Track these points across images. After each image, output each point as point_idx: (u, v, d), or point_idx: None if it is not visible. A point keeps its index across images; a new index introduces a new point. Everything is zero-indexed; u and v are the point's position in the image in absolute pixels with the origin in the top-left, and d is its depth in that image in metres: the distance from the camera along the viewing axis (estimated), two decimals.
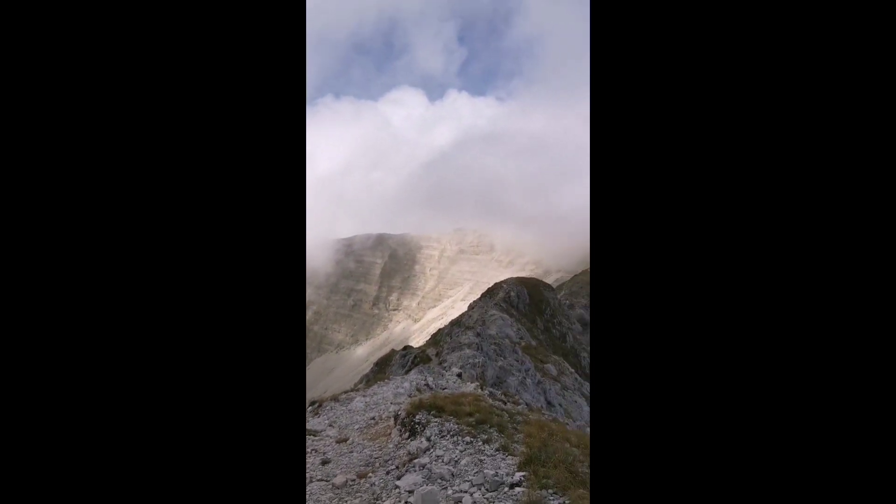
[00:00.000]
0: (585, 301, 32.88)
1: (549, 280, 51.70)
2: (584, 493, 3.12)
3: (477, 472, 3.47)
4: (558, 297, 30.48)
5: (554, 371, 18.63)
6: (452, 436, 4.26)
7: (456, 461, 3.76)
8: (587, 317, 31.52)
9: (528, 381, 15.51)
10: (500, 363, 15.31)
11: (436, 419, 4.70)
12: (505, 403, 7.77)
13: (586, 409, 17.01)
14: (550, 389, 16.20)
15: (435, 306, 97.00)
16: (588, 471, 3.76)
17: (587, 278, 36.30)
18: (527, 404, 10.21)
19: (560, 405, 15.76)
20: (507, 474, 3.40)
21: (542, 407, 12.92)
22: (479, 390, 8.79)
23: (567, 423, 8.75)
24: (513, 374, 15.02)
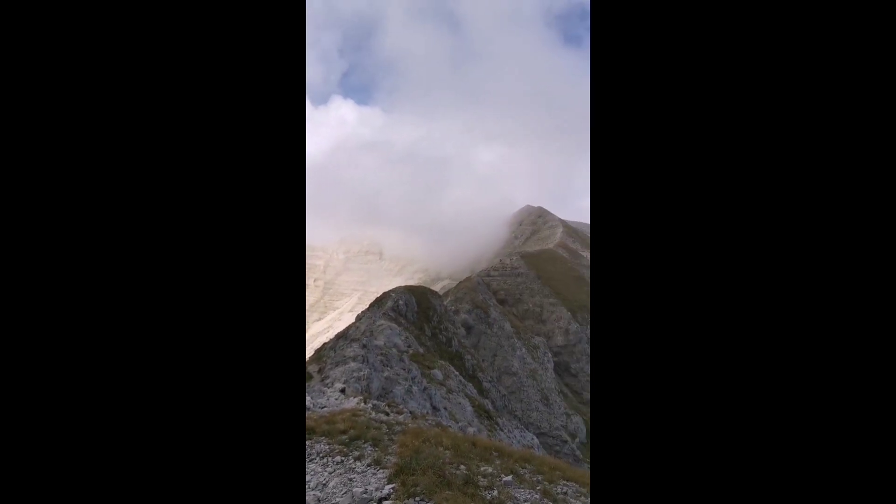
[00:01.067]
0: (469, 306, 34.59)
1: (437, 287, 53.28)
2: (451, 494, 3.23)
3: (345, 493, 3.36)
4: (444, 303, 31.54)
5: (440, 376, 19.14)
6: (322, 458, 4.05)
7: (324, 484, 3.59)
8: (470, 321, 33.24)
9: (415, 388, 15.65)
10: (386, 373, 15.16)
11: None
12: (388, 415, 7.70)
13: (469, 408, 17.81)
14: (436, 394, 16.59)
15: (320, 319, 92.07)
16: (458, 471, 3.92)
17: (470, 284, 38.27)
18: (411, 412, 10.28)
19: (445, 408, 16.24)
20: (377, 489, 3.36)
21: (427, 413, 13.15)
22: (362, 404, 8.58)
23: (450, 426, 9.03)
24: (399, 384, 15.00)
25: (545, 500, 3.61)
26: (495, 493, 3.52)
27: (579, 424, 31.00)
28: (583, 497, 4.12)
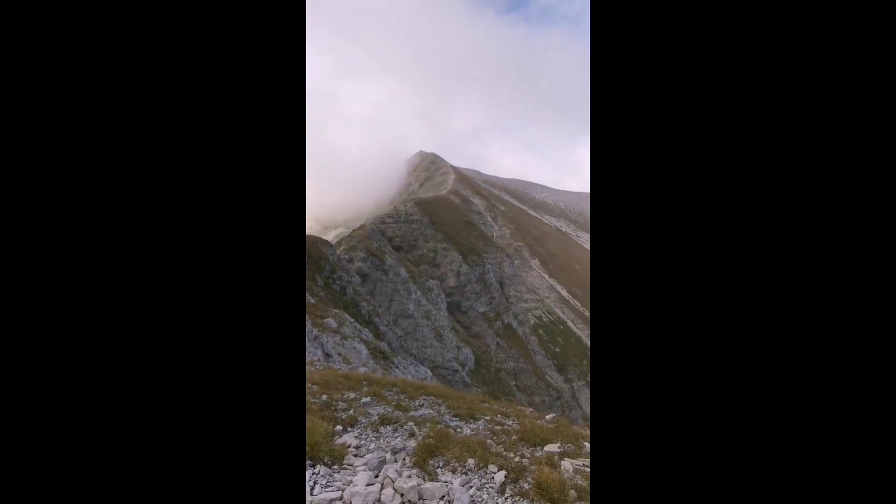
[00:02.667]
0: (364, 254, 34.54)
1: (330, 236, 51.63)
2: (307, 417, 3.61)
3: None
4: (337, 252, 31.02)
5: (334, 324, 19.34)
6: None
7: None
8: (366, 269, 33.41)
9: (305, 339, 15.69)
10: None
11: None
12: None
13: (365, 351, 18.53)
14: (328, 342, 16.88)
15: None
16: (318, 400, 4.34)
17: (364, 232, 37.96)
18: None
19: (339, 354, 16.71)
20: None
21: (318, 359, 13.44)
22: None
23: (340, 369, 9.48)
24: None
25: (396, 412, 4.25)
26: (351, 412, 4.04)
27: (468, 355, 34.39)
28: (437, 406, 4.90)
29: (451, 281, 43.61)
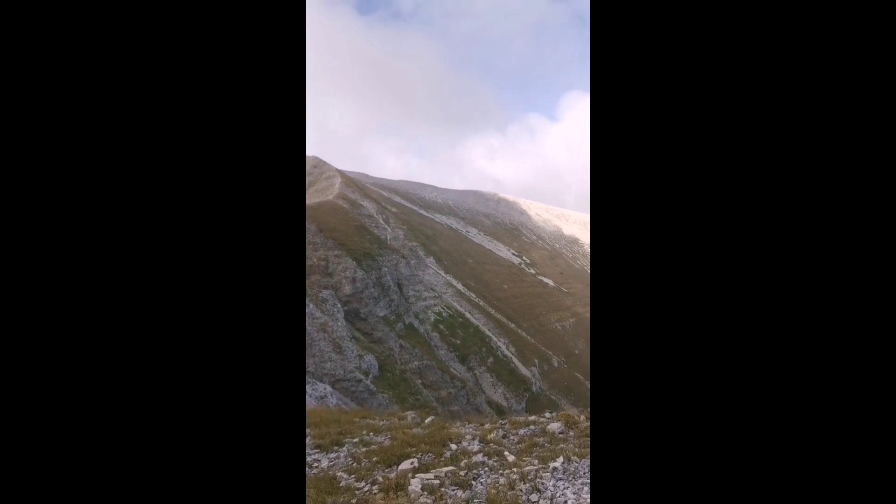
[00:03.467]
0: None
1: None
2: None
3: None
4: None
5: None
6: None
7: None
8: None
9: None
10: None
11: None
12: None
13: None
14: None
15: None
16: None
17: None
18: None
19: None
20: None
21: None
22: None
23: None
24: None
25: None
26: None
27: (371, 362, 33.68)
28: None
29: (347, 289, 42.22)
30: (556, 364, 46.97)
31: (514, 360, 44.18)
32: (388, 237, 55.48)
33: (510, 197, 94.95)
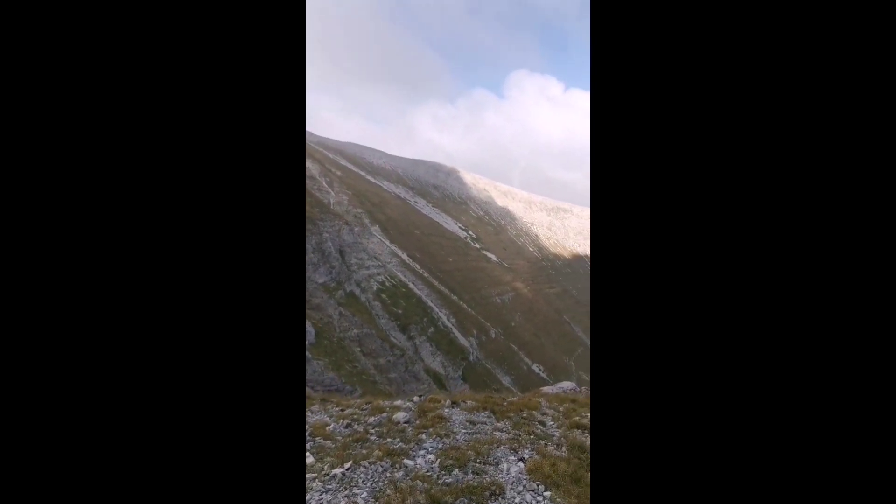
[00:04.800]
0: None
1: None
2: None
3: None
4: None
5: None
6: None
7: None
8: None
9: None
10: None
11: None
12: None
13: None
14: None
15: None
16: None
17: None
18: None
19: None
20: None
21: None
22: None
23: None
24: None
25: None
26: None
27: (308, 329, 32.86)
28: None
29: None
30: (493, 335, 48.84)
31: (454, 330, 45.28)
32: (332, 201, 53.34)
33: (460, 170, 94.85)
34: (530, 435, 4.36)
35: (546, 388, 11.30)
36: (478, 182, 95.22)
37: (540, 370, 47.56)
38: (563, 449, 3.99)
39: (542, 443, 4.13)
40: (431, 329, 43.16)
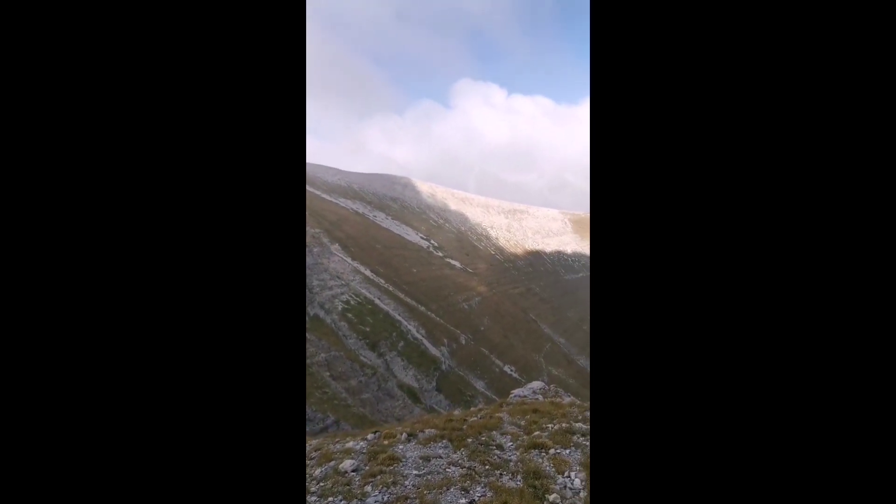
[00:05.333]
0: None
1: None
2: None
3: None
4: None
5: None
6: None
7: None
8: None
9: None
10: None
11: None
12: None
13: None
14: None
15: None
16: None
17: None
18: None
19: None
20: None
21: None
22: None
23: None
24: None
25: None
26: None
27: None
28: None
29: None
30: (463, 342, 49.09)
31: (425, 341, 45.12)
32: None
33: (416, 181, 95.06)
34: (486, 465, 4.45)
35: (516, 391, 11.50)
36: (435, 191, 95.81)
37: (512, 371, 48.25)
38: (519, 478, 4.12)
39: (498, 473, 4.23)
40: (402, 343, 42.81)
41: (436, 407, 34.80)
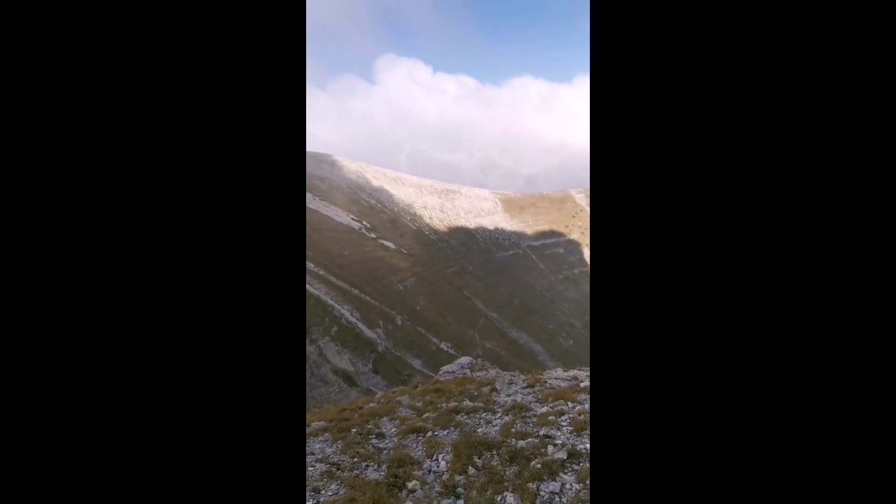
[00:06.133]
0: None
1: None
2: None
3: None
4: None
5: None
6: None
7: None
8: None
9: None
10: None
11: None
12: None
13: None
14: None
15: None
16: None
17: None
18: None
19: None
20: None
21: None
22: None
23: None
24: None
25: None
26: None
27: None
28: None
29: None
30: (399, 323, 49.19)
31: (359, 324, 44.51)
32: None
33: (344, 159, 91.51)
34: (355, 458, 4.44)
35: (445, 368, 11.78)
36: (366, 170, 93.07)
37: (448, 347, 49.46)
38: (384, 467, 4.14)
39: (364, 465, 4.23)
40: (335, 328, 41.86)
41: (373, 388, 34.76)
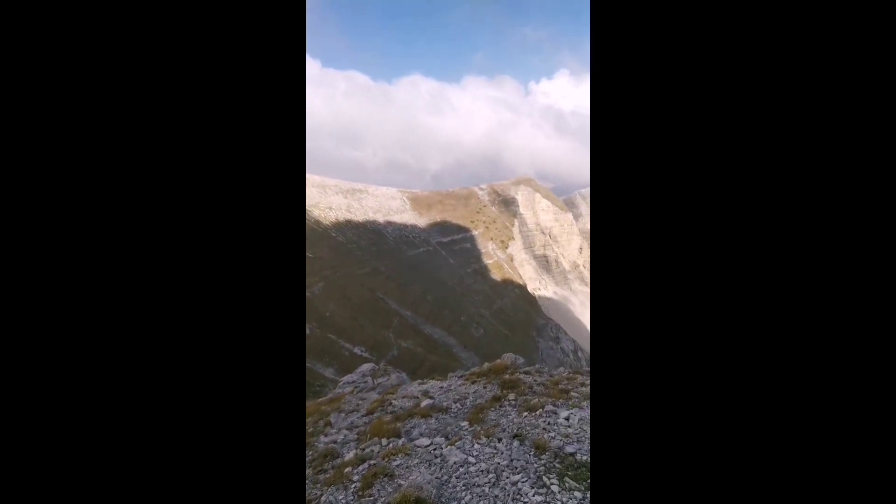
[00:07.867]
0: None
1: None
2: None
3: None
4: None
5: None
6: None
7: None
8: None
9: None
10: None
11: None
12: None
13: None
14: None
15: None
16: None
17: None
18: None
19: None
20: None
21: None
22: None
23: None
24: None
25: None
26: None
27: None
28: None
29: None
30: (309, 332, 47.13)
31: None
32: None
33: None
34: None
35: (346, 378, 11.46)
36: None
37: (362, 351, 48.73)
38: None
39: None
40: None
41: None
